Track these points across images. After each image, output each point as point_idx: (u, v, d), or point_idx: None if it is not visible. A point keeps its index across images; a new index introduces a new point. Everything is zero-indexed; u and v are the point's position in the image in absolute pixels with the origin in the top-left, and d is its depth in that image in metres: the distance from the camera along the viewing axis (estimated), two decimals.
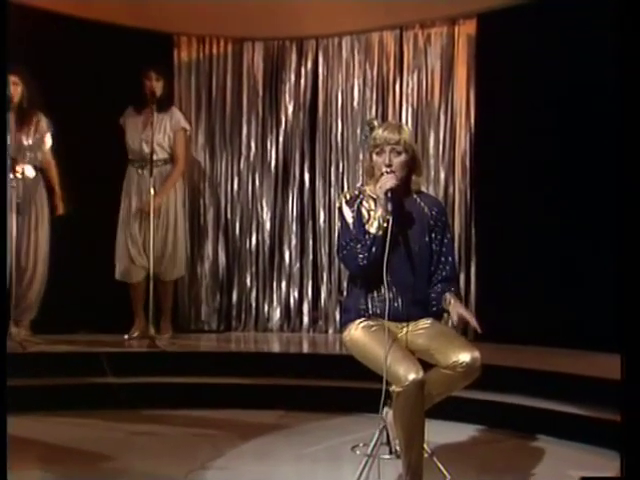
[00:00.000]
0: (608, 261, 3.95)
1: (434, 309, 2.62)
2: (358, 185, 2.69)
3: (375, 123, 2.69)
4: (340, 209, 2.65)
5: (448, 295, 2.59)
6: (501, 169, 5.03)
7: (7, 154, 4.41)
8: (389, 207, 2.50)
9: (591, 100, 4.55)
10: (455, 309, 2.54)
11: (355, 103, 5.57)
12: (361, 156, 5.43)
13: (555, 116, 4.81)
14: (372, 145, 2.61)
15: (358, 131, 5.45)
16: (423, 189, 2.78)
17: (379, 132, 2.61)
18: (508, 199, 5.00)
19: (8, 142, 4.40)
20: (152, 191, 4.85)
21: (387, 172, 2.57)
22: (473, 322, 2.49)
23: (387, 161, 2.57)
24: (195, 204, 5.61)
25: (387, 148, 2.58)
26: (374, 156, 2.62)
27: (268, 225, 5.65)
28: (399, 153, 2.58)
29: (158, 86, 4.97)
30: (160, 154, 5.00)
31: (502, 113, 5.01)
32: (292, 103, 5.65)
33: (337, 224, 2.69)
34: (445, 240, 2.65)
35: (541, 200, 4.87)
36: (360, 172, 5.44)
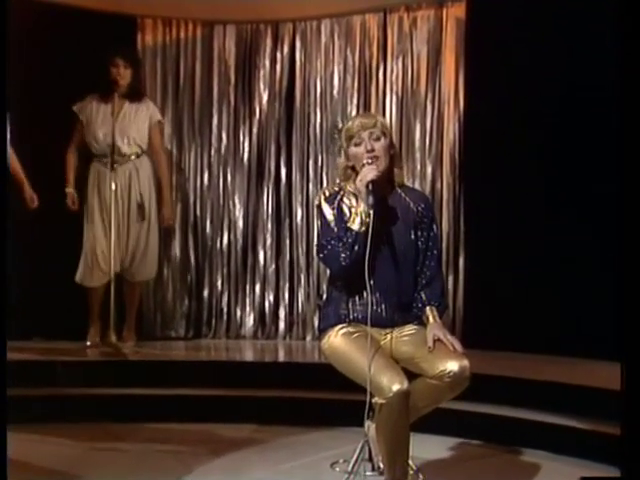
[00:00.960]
0: (608, 260, 3.99)
1: (415, 320, 2.61)
2: (338, 181, 2.68)
3: (340, 125, 2.69)
4: (319, 207, 2.64)
5: (428, 310, 2.59)
6: (492, 162, 5.04)
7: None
8: (371, 200, 2.49)
9: (588, 88, 4.58)
10: (432, 330, 2.53)
11: (335, 91, 5.55)
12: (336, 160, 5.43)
13: (550, 105, 4.83)
14: (347, 138, 2.60)
15: (333, 123, 5.43)
16: (407, 183, 2.77)
17: (351, 122, 2.60)
18: (500, 194, 5.01)
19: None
20: (113, 185, 4.81)
21: (368, 163, 2.56)
22: (450, 345, 2.48)
23: (369, 147, 2.57)
24: (162, 200, 5.57)
25: (365, 134, 2.57)
26: (352, 149, 2.61)
27: (241, 223, 5.63)
28: (378, 138, 2.58)
29: (126, 74, 4.92)
30: (133, 148, 4.96)
31: (493, 102, 5.02)
32: (267, 91, 5.63)
33: (316, 223, 2.68)
34: (431, 234, 2.65)
35: (536, 195, 4.89)
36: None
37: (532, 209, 4.89)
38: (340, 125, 2.68)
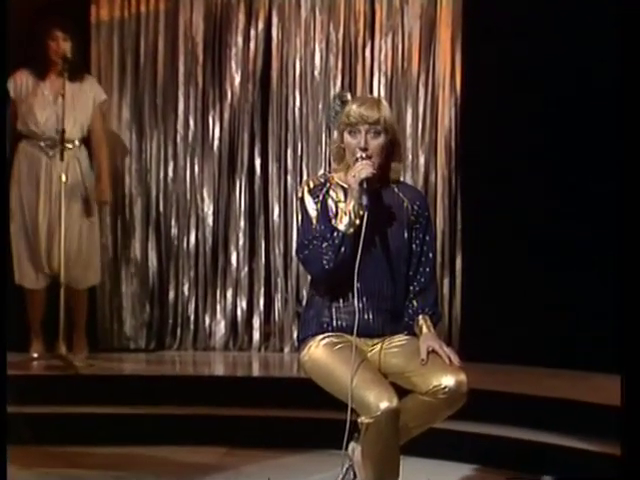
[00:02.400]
0: (612, 261, 4.02)
1: (406, 330, 2.61)
2: (323, 172, 2.67)
3: (348, 97, 2.67)
4: (302, 200, 2.63)
5: (421, 319, 2.59)
6: (493, 152, 5.05)
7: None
8: (364, 200, 2.48)
9: (594, 70, 4.61)
10: (425, 341, 2.53)
11: (316, 72, 5.54)
12: (324, 137, 5.42)
13: (555, 87, 4.86)
14: (344, 123, 2.59)
15: (320, 106, 5.43)
16: (401, 177, 2.76)
17: (353, 108, 2.58)
18: (501, 188, 5.03)
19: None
20: (63, 178, 4.78)
21: (362, 158, 2.55)
22: (446, 358, 2.48)
23: (363, 144, 2.55)
24: (118, 194, 5.54)
25: (363, 128, 2.55)
26: (346, 136, 2.60)
27: (210, 220, 5.61)
28: (377, 134, 2.56)
29: (66, 48, 4.87)
30: (75, 133, 4.92)
31: (494, 84, 5.03)
32: (239, 72, 5.61)
33: (298, 218, 2.67)
34: (427, 238, 2.65)
35: (540, 189, 4.92)
36: (325, 156, 5.43)
37: (536, 203, 4.92)
38: (347, 97, 2.65)
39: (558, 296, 4.79)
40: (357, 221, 2.49)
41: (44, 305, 4.86)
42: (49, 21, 4.88)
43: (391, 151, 2.62)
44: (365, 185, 2.49)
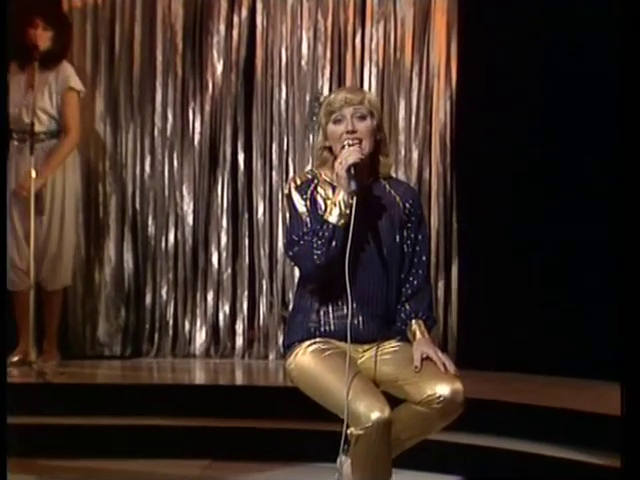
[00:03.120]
0: (612, 265, 4.04)
1: (399, 336, 2.62)
2: (310, 168, 2.67)
3: (322, 98, 2.68)
4: (289, 196, 2.63)
5: (414, 324, 2.59)
6: (490, 147, 5.06)
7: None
8: (352, 186, 2.49)
9: (595, 57, 4.63)
10: (419, 347, 2.53)
11: (303, 62, 5.53)
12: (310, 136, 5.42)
13: (558, 76, 4.87)
14: (327, 113, 2.59)
15: (307, 98, 5.43)
16: (392, 174, 2.77)
17: (334, 95, 2.59)
18: (499, 186, 5.04)
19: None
20: (33, 172, 4.77)
21: (349, 144, 2.55)
22: (441, 366, 2.49)
23: (350, 127, 2.56)
24: (92, 191, 5.52)
25: (348, 112, 2.57)
26: (331, 126, 2.60)
27: (190, 219, 5.60)
28: (363, 117, 2.58)
29: (44, 37, 4.87)
30: (45, 124, 4.91)
31: (492, 75, 5.04)
32: (221, 61, 5.60)
33: (286, 216, 2.67)
34: (420, 237, 2.65)
35: (540, 186, 4.93)
36: (311, 152, 5.43)
37: (536, 201, 4.93)
38: (322, 97, 2.67)
39: (560, 300, 4.80)
40: (347, 211, 2.50)
41: (29, 307, 4.83)
42: (30, 8, 4.88)
43: (379, 142, 2.63)
44: (353, 171, 2.50)
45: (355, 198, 2.49)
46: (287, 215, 2.64)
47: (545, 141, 4.95)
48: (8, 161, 4.92)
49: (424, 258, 2.67)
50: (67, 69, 5.07)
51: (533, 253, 4.93)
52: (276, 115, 5.56)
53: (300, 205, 2.59)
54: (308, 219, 2.56)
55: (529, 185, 4.97)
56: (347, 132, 2.57)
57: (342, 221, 2.50)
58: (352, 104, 2.57)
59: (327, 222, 2.50)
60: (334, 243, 2.49)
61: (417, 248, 2.66)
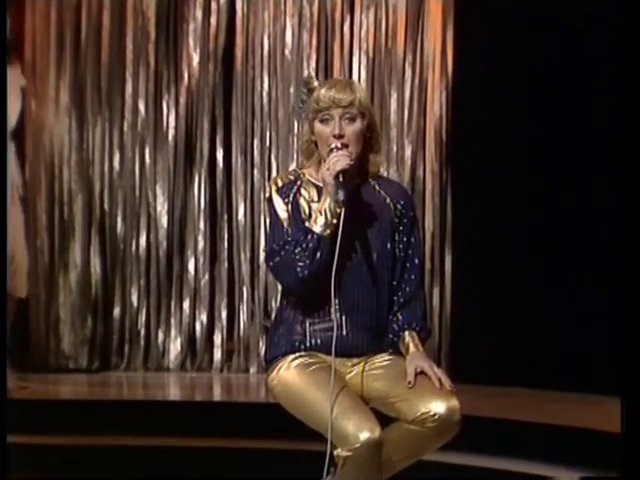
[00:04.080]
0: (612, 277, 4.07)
1: (390, 348, 2.62)
2: (294, 168, 2.67)
3: (315, 83, 2.67)
4: (270, 200, 2.61)
5: (407, 336, 2.59)
6: (488, 143, 5.07)
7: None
8: (341, 196, 2.47)
9: (595, 48, 4.65)
10: (413, 361, 2.53)
11: (287, 51, 5.54)
12: (296, 126, 5.43)
13: (560, 66, 4.88)
14: (314, 111, 2.58)
15: (291, 90, 5.43)
16: (384, 172, 2.77)
17: (323, 92, 2.57)
18: (497, 184, 5.05)
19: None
20: None
21: (337, 148, 2.55)
22: (436, 381, 2.49)
23: (337, 131, 2.54)
24: (55, 190, 5.51)
25: (336, 113, 2.55)
26: (317, 126, 2.59)
27: (164, 220, 5.59)
28: (353, 119, 2.55)
29: None
30: None
31: (490, 66, 5.05)
32: (198, 50, 5.60)
33: (266, 222, 2.66)
34: (412, 239, 2.65)
35: (540, 185, 4.94)
36: (295, 149, 5.44)
37: (537, 200, 4.94)
38: (314, 83, 2.65)
39: (561, 307, 4.82)
40: (334, 221, 2.49)
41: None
42: None
43: (369, 140, 2.62)
44: (341, 179, 2.49)
45: (343, 208, 2.48)
46: (267, 221, 2.63)
47: (546, 135, 4.96)
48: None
49: (417, 263, 2.65)
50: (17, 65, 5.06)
51: (534, 257, 4.95)
52: (258, 108, 5.56)
53: (281, 210, 2.56)
54: (290, 226, 2.55)
55: (530, 183, 4.98)
56: (334, 135, 2.56)
57: (328, 231, 2.47)
58: (341, 105, 2.55)
59: (311, 232, 2.50)
60: (319, 254, 2.46)
61: (409, 252, 2.64)
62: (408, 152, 5.38)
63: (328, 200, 2.53)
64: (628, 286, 2.30)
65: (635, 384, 2.21)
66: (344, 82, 2.66)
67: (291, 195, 2.63)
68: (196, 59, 5.60)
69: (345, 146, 2.57)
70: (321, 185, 2.59)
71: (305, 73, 5.40)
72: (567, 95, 4.87)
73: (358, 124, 2.59)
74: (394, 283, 2.66)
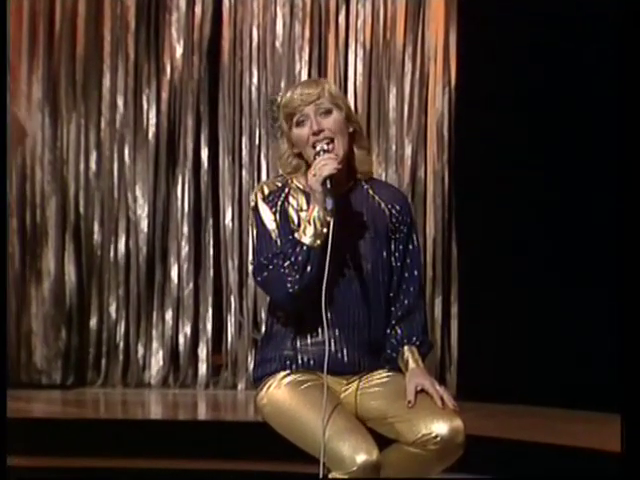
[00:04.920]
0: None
1: (388, 365, 2.62)
2: (280, 173, 2.68)
3: (279, 99, 2.70)
4: (255, 209, 2.61)
5: (407, 351, 2.60)
6: (493, 142, 5.07)
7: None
8: (329, 204, 2.47)
9: (603, 39, 4.66)
10: (413, 379, 2.53)
11: (278, 43, 5.54)
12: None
13: (567, 60, 4.89)
14: (287, 115, 2.59)
15: (283, 85, 5.43)
16: (380, 174, 2.77)
17: (289, 95, 2.60)
18: (504, 187, 5.05)
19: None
20: None
21: (324, 150, 2.56)
22: (438, 399, 2.50)
23: (315, 127, 2.56)
24: (27, 191, 5.51)
25: (309, 110, 2.56)
26: (295, 132, 2.60)
27: (145, 224, 5.59)
28: (327, 112, 2.57)
29: None
30: None
31: (497, 59, 5.05)
32: (182, 42, 5.60)
33: (252, 233, 2.67)
34: (410, 247, 2.66)
35: (550, 185, 4.95)
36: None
37: (542, 200, 4.94)
38: (278, 98, 2.68)
39: (571, 319, 4.82)
40: (324, 230, 2.50)
41: None
42: None
43: (352, 135, 2.63)
44: (329, 185, 2.49)
45: (332, 216, 2.49)
46: (254, 232, 2.64)
47: (557, 133, 4.97)
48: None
49: (416, 273, 2.66)
50: None
51: (547, 266, 4.95)
52: (246, 104, 5.55)
53: (269, 220, 2.56)
54: (278, 238, 2.56)
55: (537, 185, 4.99)
56: (314, 133, 2.57)
57: (318, 242, 2.47)
58: (311, 100, 2.56)
59: (300, 244, 2.50)
60: (309, 268, 2.46)
61: (407, 260, 2.64)
62: (408, 151, 5.38)
63: (316, 208, 2.53)
64: (633, 305, 2.35)
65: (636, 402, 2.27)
66: (310, 80, 2.71)
67: (279, 203, 2.63)
68: (179, 51, 5.60)
69: (330, 140, 2.58)
70: (309, 191, 2.60)
71: (296, 68, 5.42)
72: (578, 92, 4.89)
73: (336, 115, 2.61)
74: (391, 295, 2.67)
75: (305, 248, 2.53)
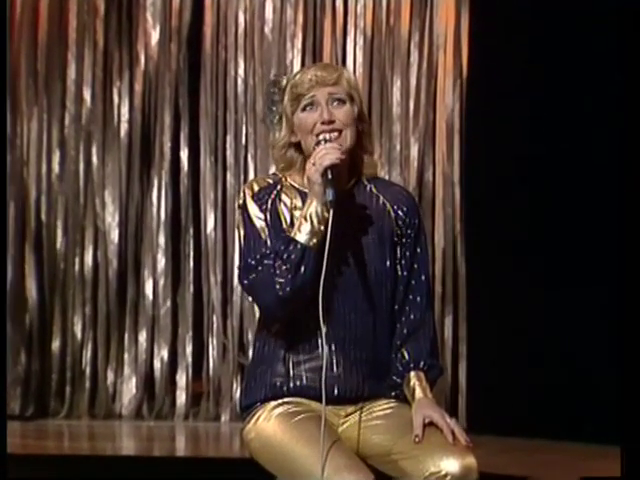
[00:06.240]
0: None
1: (393, 392, 2.63)
2: (274, 171, 2.69)
3: (284, 81, 2.70)
4: (244, 207, 2.61)
5: (413, 377, 2.59)
6: (510, 141, 5.08)
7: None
8: (330, 195, 2.47)
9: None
10: (420, 410, 2.53)
11: (267, 29, 5.55)
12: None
13: (588, 52, 4.92)
14: (293, 98, 2.59)
15: (272, 77, 5.44)
16: (383, 176, 2.78)
17: (300, 75, 2.60)
18: (520, 191, 5.07)
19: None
20: None
21: (326, 140, 2.57)
22: (449, 434, 2.50)
23: (326, 116, 2.56)
24: None
25: (321, 95, 2.56)
26: (299, 115, 2.60)
27: (115, 234, 5.58)
28: (341, 101, 2.57)
29: None
30: None
31: (514, 48, 5.06)
32: (158, 28, 5.60)
33: (239, 233, 2.68)
34: (418, 253, 2.66)
35: (568, 183, 4.96)
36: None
37: (564, 208, 4.97)
38: (284, 80, 2.68)
39: (593, 346, 4.84)
40: (321, 228, 2.50)
41: None
42: None
43: (360, 135, 2.64)
44: (330, 176, 2.49)
45: (332, 211, 2.49)
46: (241, 233, 2.64)
47: (576, 133, 4.98)
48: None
49: (424, 281, 2.64)
50: None
51: (563, 280, 4.96)
52: (231, 98, 5.56)
53: (257, 219, 2.55)
54: (268, 237, 2.56)
55: (555, 187, 5.00)
56: (322, 122, 2.57)
57: (314, 240, 2.45)
58: (326, 84, 2.55)
59: (294, 241, 2.51)
60: (303, 269, 2.44)
61: (415, 267, 2.62)
62: (414, 152, 5.39)
63: (314, 203, 2.52)
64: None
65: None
66: (325, 63, 2.72)
67: (269, 201, 2.63)
68: (155, 38, 5.60)
69: (337, 133, 2.59)
70: (306, 191, 2.60)
71: (288, 57, 5.43)
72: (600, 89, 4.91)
73: (348, 107, 2.61)
74: (396, 307, 2.67)
75: (299, 247, 2.52)
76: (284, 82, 2.69)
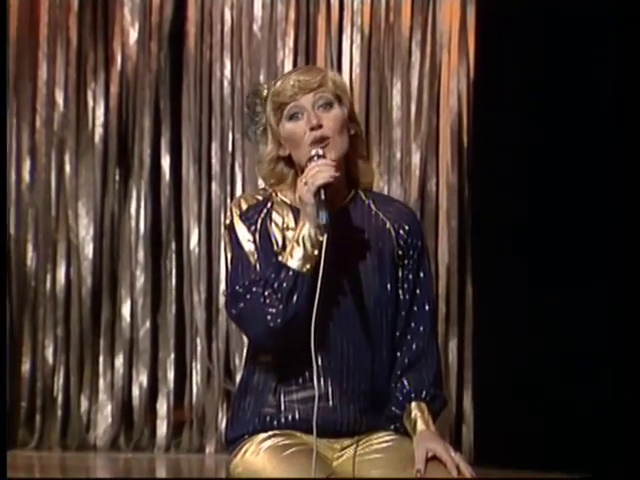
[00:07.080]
0: None
1: (392, 425, 2.63)
2: (263, 186, 2.69)
3: (266, 91, 2.71)
4: (231, 228, 2.60)
5: (415, 409, 2.60)
6: (522, 148, 5.10)
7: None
8: (323, 219, 2.48)
9: None
10: (422, 443, 2.54)
11: (256, 27, 5.56)
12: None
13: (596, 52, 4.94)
14: (276, 107, 2.60)
15: (261, 78, 5.45)
16: (382, 187, 2.78)
17: (281, 82, 2.62)
18: (531, 202, 5.09)
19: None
20: None
21: (318, 155, 2.57)
22: (453, 468, 2.51)
23: (313, 120, 2.57)
24: None
25: (306, 101, 2.57)
26: (286, 126, 2.59)
27: (90, 249, 5.58)
28: (329, 104, 2.58)
29: None
30: None
31: (523, 47, 5.06)
32: (137, 25, 5.61)
33: (226, 256, 2.68)
34: (421, 277, 2.67)
35: (584, 194, 4.98)
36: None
37: (580, 218, 4.99)
38: (265, 89, 2.69)
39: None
40: (315, 252, 2.51)
41: None
42: None
43: (352, 139, 2.64)
44: (323, 196, 2.50)
45: (326, 235, 2.49)
46: (228, 256, 2.64)
47: (591, 138, 5.01)
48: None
49: (427, 307, 2.65)
50: None
51: (576, 299, 4.98)
52: (217, 101, 5.57)
53: (246, 241, 2.54)
54: (258, 262, 2.56)
55: (568, 196, 5.02)
56: (312, 128, 2.58)
57: (308, 266, 2.45)
58: (310, 88, 2.55)
59: (286, 267, 2.51)
60: (295, 297, 2.43)
61: (417, 292, 2.63)
62: (416, 159, 5.39)
63: (307, 225, 2.52)
64: None
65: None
66: (307, 66, 2.73)
67: (259, 221, 2.62)
68: (133, 36, 5.61)
69: (325, 141, 2.59)
70: (299, 207, 2.61)
71: (278, 57, 5.44)
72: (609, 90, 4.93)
73: (337, 110, 2.61)
74: (397, 334, 2.67)
75: (291, 273, 2.52)
76: (264, 92, 2.70)
